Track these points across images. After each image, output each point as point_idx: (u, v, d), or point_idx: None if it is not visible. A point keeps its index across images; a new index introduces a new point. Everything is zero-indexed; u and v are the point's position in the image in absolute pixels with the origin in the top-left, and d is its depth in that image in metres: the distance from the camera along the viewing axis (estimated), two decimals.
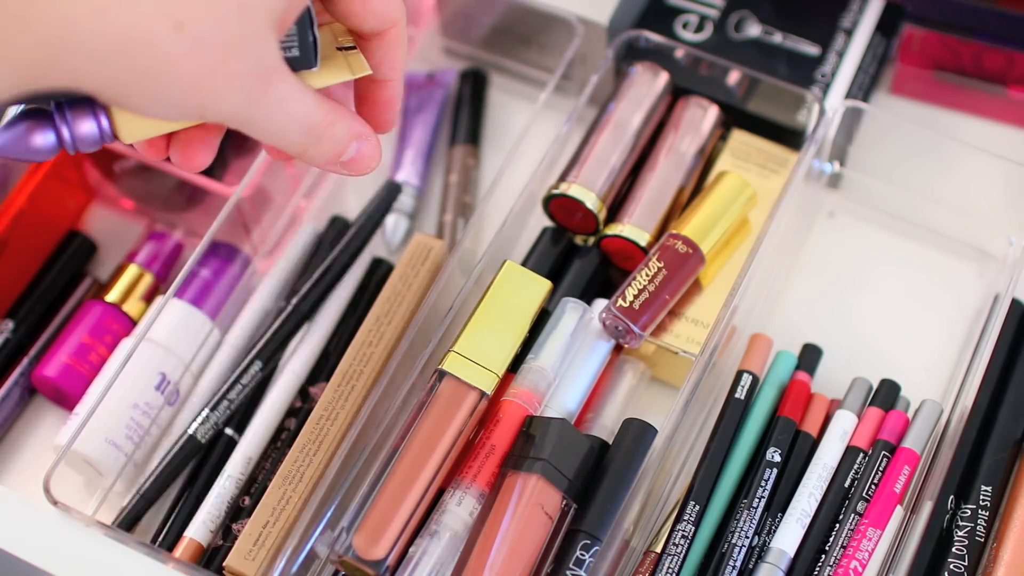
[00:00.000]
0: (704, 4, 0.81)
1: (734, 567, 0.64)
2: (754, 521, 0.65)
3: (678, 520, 0.65)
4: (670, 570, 0.64)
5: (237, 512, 0.67)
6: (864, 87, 0.79)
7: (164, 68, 0.46)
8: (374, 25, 0.53)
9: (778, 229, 0.72)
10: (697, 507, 0.65)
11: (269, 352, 0.70)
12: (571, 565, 0.62)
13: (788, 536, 0.64)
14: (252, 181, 0.73)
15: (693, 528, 0.65)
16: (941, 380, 0.73)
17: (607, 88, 0.77)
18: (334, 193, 0.79)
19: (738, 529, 0.65)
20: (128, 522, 0.66)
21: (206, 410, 0.68)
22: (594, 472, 0.64)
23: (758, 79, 0.76)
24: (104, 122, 0.50)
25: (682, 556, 0.64)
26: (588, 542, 0.62)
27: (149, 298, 0.75)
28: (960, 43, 0.80)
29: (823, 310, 0.76)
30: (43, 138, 0.50)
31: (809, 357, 0.71)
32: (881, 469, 0.66)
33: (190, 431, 0.68)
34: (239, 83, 0.48)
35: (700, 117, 0.75)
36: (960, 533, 0.65)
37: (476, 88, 0.83)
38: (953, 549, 0.65)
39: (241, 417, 0.70)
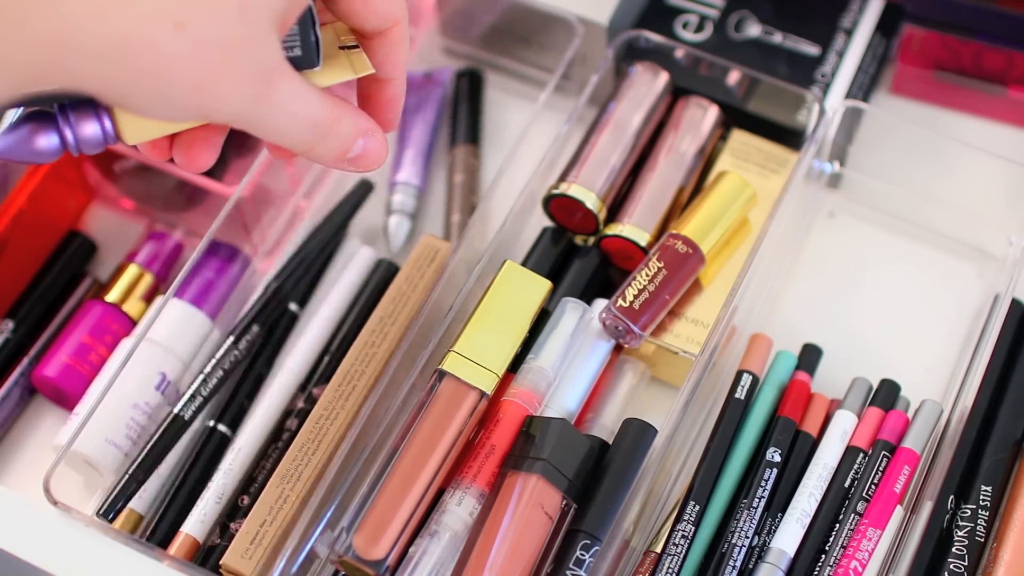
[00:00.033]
0: (704, 4, 0.81)
1: (734, 567, 0.64)
2: (754, 521, 0.65)
3: (678, 520, 0.65)
4: (670, 570, 0.64)
5: (235, 511, 0.67)
6: (864, 87, 0.79)
7: (165, 69, 0.46)
8: (376, 24, 0.53)
9: (778, 229, 0.72)
10: (697, 507, 0.65)
11: (241, 329, 0.70)
12: (571, 565, 0.62)
13: (788, 536, 0.64)
14: (252, 181, 0.73)
15: (693, 528, 0.65)
16: (941, 380, 0.73)
17: (607, 88, 0.77)
18: (334, 193, 0.79)
19: (738, 529, 0.65)
20: (116, 506, 0.66)
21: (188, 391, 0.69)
22: (594, 472, 0.64)
23: (758, 79, 0.76)
24: (107, 124, 0.50)
25: (682, 556, 0.64)
26: (588, 542, 0.62)
27: (149, 298, 0.75)
28: (960, 43, 0.80)
29: (823, 310, 0.76)
30: (47, 140, 0.50)
31: (809, 357, 0.71)
32: (881, 469, 0.66)
33: (175, 411, 0.68)
34: (242, 83, 0.47)
35: (700, 117, 0.75)
36: (960, 533, 0.65)
37: (473, 88, 0.83)
38: (953, 549, 0.65)
39: (235, 414, 0.70)
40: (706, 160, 0.76)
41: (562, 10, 0.78)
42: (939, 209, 0.77)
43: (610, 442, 0.66)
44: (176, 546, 0.66)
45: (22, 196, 0.74)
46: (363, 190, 0.76)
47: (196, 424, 0.69)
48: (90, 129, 0.50)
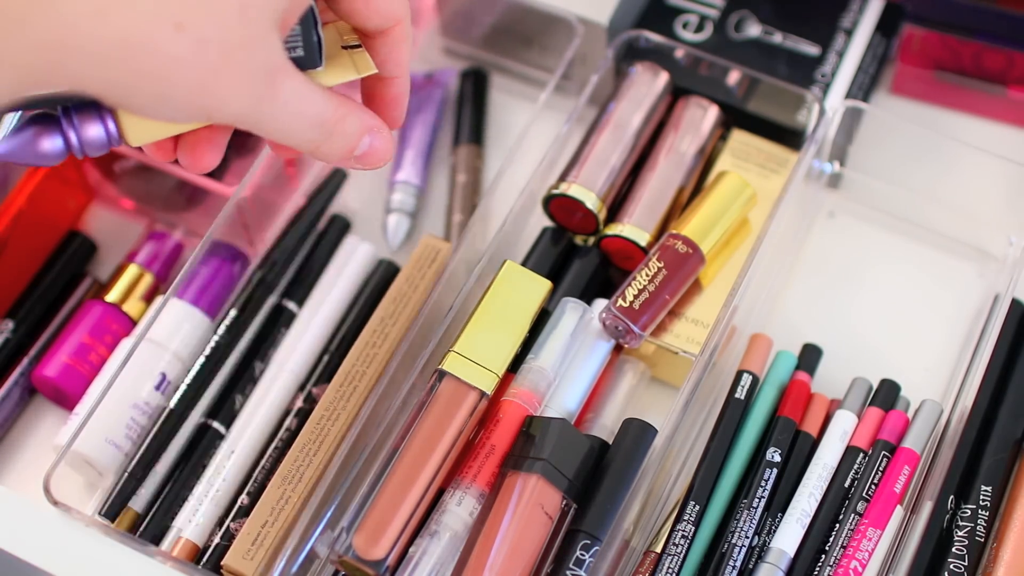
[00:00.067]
0: (704, 4, 0.81)
1: (734, 567, 0.64)
2: (754, 521, 0.65)
3: (678, 520, 0.65)
4: (670, 570, 0.64)
5: (236, 511, 0.67)
6: (864, 87, 0.79)
7: (167, 70, 0.45)
8: (378, 23, 0.53)
9: (778, 229, 0.72)
10: (697, 507, 0.65)
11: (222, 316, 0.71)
12: (571, 565, 0.62)
13: (788, 536, 0.64)
14: (252, 181, 0.73)
15: (693, 528, 0.65)
16: (941, 380, 0.73)
17: (607, 88, 0.77)
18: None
19: (738, 529, 0.65)
20: (118, 504, 0.66)
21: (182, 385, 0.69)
22: (594, 472, 0.64)
23: (758, 79, 0.76)
24: (111, 126, 0.50)
25: (682, 556, 0.64)
26: (588, 542, 0.62)
27: (149, 298, 0.75)
28: (960, 43, 0.80)
29: (823, 310, 0.76)
30: (51, 143, 0.50)
31: (809, 357, 0.71)
32: (881, 469, 0.66)
33: (169, 406, 0.68)
34: (244, 83, 0.47)
35: (700, 117, 0.75)
36: (960, 533, 0.65)
37: (477, 88, 0.83)
38: (953, 549, 0.65)
39: (229, 410, 0.70)
40: (706, 160, 0.76)
41: (562, 10, 0.78)
42: (939, 209, 0.77)
43: (610, 442, 0.66)
44: (177, 547, 0.66)
45: (22, 196, 0.74)
46: (338, 178, 0.76)
47: (192, 421, 0.69)
48: (94, 131, 0.50)
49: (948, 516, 0.66)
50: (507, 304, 0.67)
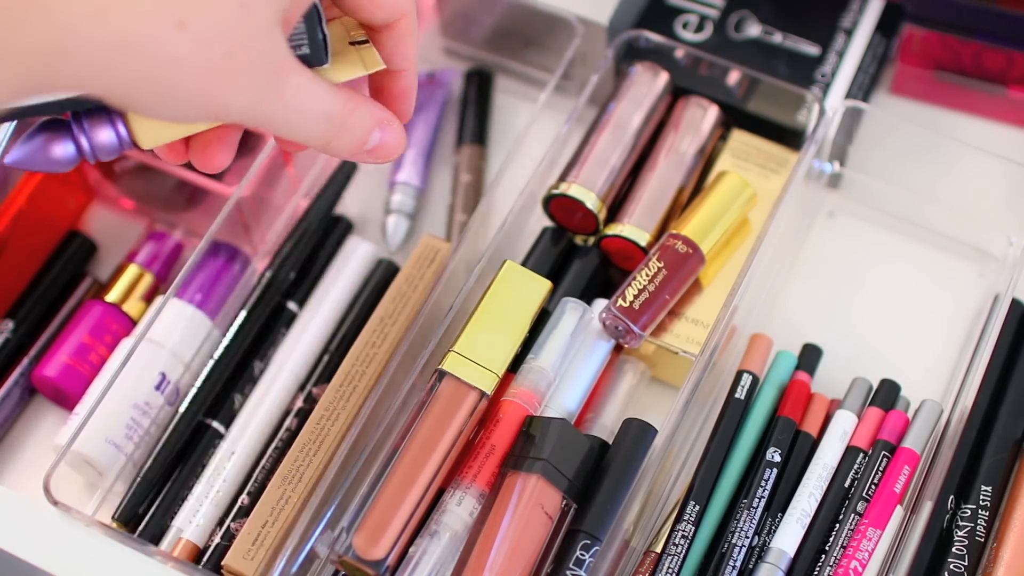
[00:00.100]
0: (704, 4, 0.81)
1: (734, 567, 0.64)
2: (754, 521, 0.65)
3: (678, 520, 0.65)
4: (670, 570, 0.64)
5: (236, 511, 0.67)
6: (864, 87, 0.79)
7: (169, 70, 0.45)
8: (384, 16, 0.53)
9: (778, 229, 0.72)
10: (697, 507, 0.65)
11: (232, 317, 0.71)
12: (571, 565, 0.62)
13: (788, 536, 0.64)
14: (252, 181, 0.73)
15: (693, 528, 0.65)
16: (941, 380, 0.73)
17: (607, 88, 0.77)
18: None
19: (738, 529, 0.65)
20: (131, 508, 0.67)
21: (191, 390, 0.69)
22: (594, 472, 0.64)
23: (758, 79, 0.76)
24: (121, 129, 0.50)
25: (682, 556, 0.64)
26: (588, 542, 0.62)
27: (149, 298, 0.75)
28: (960, 43, 0.80)
29: (823, 310, 0.76)
30: (62, 149, 0.50)
31: (809, 357, 0.71)
32: (881, 469, 0.66)
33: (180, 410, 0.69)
34: (249, 80, 0.47)
35: (700, 117, 0.75)
36: (960, 533, 0.65)
37: (482, 88, 0.83)
38: (953, 549, 0.65)
39: (229, 410, 0.70)
40: (706, 160, 0.76)
41: (562, 10, 0.78)
42: (939, 209, 0.77)
43: (610, 442, 0.66)
44: (178, 548, 0.66)
45: (22, 196, 0.74)
46: (347, 171, 0.76)
47: (186, 420, 0.69)
48: (105, 135, 0.50)
49: (948, 516, 0.66)
50: (507, 304, 0.67)
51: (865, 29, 0.80)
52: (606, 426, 0.68)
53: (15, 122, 0.50)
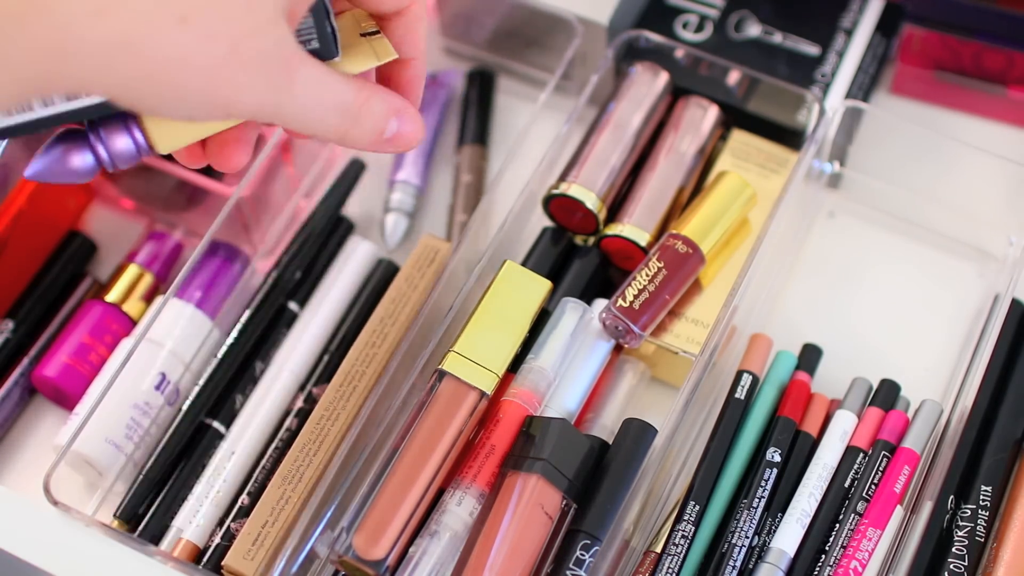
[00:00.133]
0: (704, 4, 0.81)
1: (734, 567, 0.64)
2: (754, 521, 0.65)
3: (678, 520, 0.65)
4: (670, 570, 0.64)
5: (236, 511, 0.67)
6: (864, 87, 0.79)
7: (173, 65, 0.45)
8: (392, 5, 0.52)
9: (778, 229, 0.72)
10: (697, 507, 0.65)
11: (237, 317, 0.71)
12: (571, 565, 0.62)
13: (788, 536, 0.64)
14: (252, 181, 0.73)
15: (693, 528, 0.65)
16: (941, 380, 0.73)
17: (607, 88, 0.77)
18: None
19: (738, 529, 0.65)
20: (132, 506, 0.67)
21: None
22: (594, 472, 0.64)
23: (758, 79, 0.76)
24: (138, 135, 0.50)
25: (682, 556, 0.64)
26: (588, 542, 0.62)
27: (149, 298, 0.75)
28: (960, 43, 0.80)
29: (823, 310, 0.76)
30: (81, 159, 0.50)
31: (809, 357, 0.71)
32: (881, 469, 0.66)
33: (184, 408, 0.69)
34: (256, 74, 0.46)
35: (700, 117, 0.75)
36: (960, 533, 0.65)
37: (484, 88, 0.83)
38: (953, 549, 0.65)
39: (229, 410, 0.70)
40: (706, 160, 0.76)
41: (562, 10, 0.78)
42: (939, 209, 0.77)
43: (610, 442, 0.66)
44: (178, 548, 0.66)
45: (22, 196, 0.74)
46: (354, 171, 0.76)
47: (188, 420, 0.69)
48: (122, 143, 0.50)
49: (948, 516, 0.66)
50: (507, 304, 0.67)
51: (865, 29, 0.80)
52: (606, 426, 0.68)
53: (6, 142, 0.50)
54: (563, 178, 0.73)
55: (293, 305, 0.73)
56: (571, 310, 0.68)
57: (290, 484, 0.65)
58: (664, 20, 0.80)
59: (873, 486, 0.66)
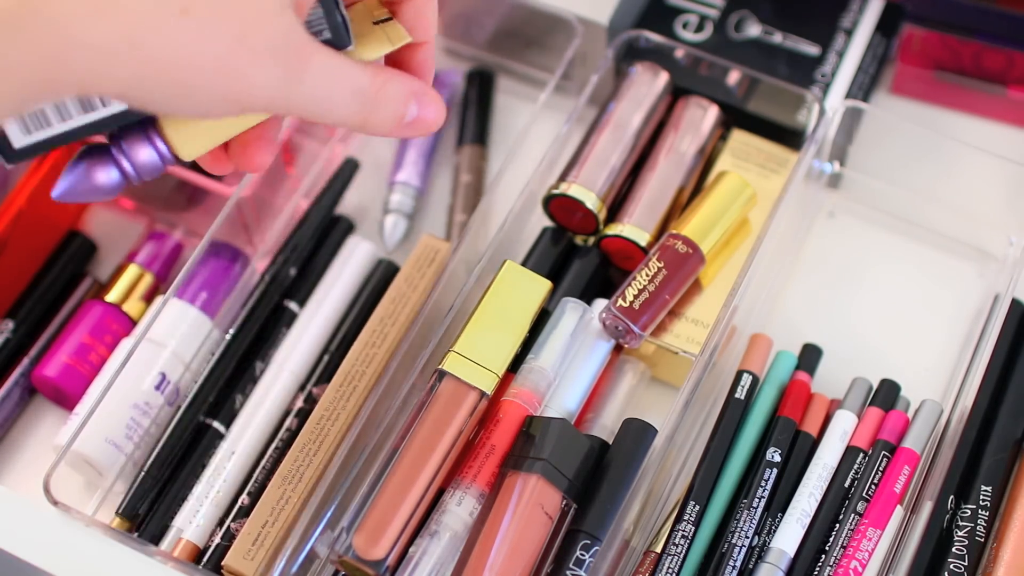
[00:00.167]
0: (704, 4, 0.81)
1: (734, 567, 0.64)
2: (754, 521, 0.65)
3: (678, 520, 0.65)
4: (670, 570, 0.64)
5: (236, 511, 0.67)
6: (864, 87, 0.79)
7: (179, 58, 0.44)
8: None
9: (778, 229, 0.72)
10: (697, 507, 0.65)
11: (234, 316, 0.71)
12: (571, 565, 0.62)
13: (788, 536, 0.64)
14: (252, 181, 0.73)
15: (693, 528, 0.65)
16: (941, 380, 0.73)
17: (607, 88, 0.77)
18: None
19: (738, 529, 0.65)
20: (133, 505, 0.67)
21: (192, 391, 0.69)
22: (594, 472, 0.64)
23: (758, 79, 0.76)
24: (160, 145, 0.49)
25: (682, 556, 0.64)
26: (588, 542, 0.62)
27: (149, 298, 0.75)
28: (960, 43, 0.80)
29: (823, 310, 0.76)
30: (106, 175, 0.50)
31: (809, 357, 0.71)
32: (881, 469, 0.66)
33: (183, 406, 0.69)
34: (266, 63, 0.46)
35: (700, 117, 0.75)
36: (960, 533, 0.65)
37: (483, 88, 0.83)
38: (953, 549, 0.65)
39: (229, 410, 0.70)
40: (706, 160, 0.76)
41: (562, 10, 0.78)
42: (939, 209, 0.77)
43: (610, 442, 0.66)
44: (178, 548, 0.66)
45: (22, 196, 0.74)
46: (348, 170, 0.76)
47: (191, 420, 0.69)
48: (145, 154, 0.49)
49: (948, 516, 0.66)
50: (507, 304, 0.67)
51: (865, 29, 0.80)
52: (606, 426, 0.68)
53: None
54: (563, 178, 0.73)
55: (293, 305, 0.73)
56: (571, 310, 0.68)
57: (290, 484, 0.65)
58: (664, 20, 0.80)
59: (873, 486, 0.66)
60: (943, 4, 0.79)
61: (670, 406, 0.66)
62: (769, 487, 0.66)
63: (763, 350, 0.71)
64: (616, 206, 0.73)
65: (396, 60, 0.54)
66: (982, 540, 0.65)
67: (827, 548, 0.64)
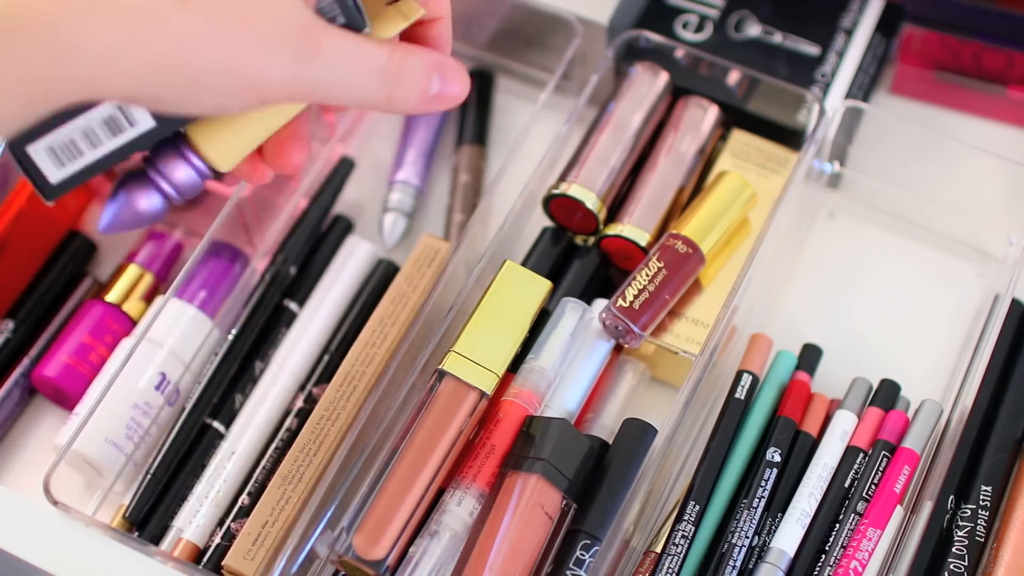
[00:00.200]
0: (704, 4, 0.81)
1: (734, 567, 0.64)
2: (754, 521, 0.65)
3: (678, 520, 0.65)
4: (670, 570, 0.64)
5: (236, 511, 0.67)
6: (864, 87, 0.79)
7: (185, 49, 0.44)
8: None
9: (778, 229, 0.72)
10: (697, 507, 0.65)
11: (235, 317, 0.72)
12: (571, 565, 0.62)
13: (788, 536, 0.64)
14: None
15: (693, 528, 0.65)
16: (941, 380, 0.73)
17: (607, 88, 0.77)
18: None
19: (738, 529, 0.65)
20: (140, 508, 0.67)
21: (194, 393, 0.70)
22: (594, 472, 0.64)
23: (758, 79, 0.76)
24: (194, 159, 0.49)
25: (682, 556, 0.64)
26: (588, 542, 0.62)
27: (149, 298, 0.75)
28: (960, 43, 0.80)
29: (823, 310, 0.76)
30: (147, 200, 0.49)
31: (809, 357, 0.71)
32: (881, 469, 0.66)
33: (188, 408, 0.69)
34: (277, 47, 0.45)
35: (700, 117, 0.75)
36: (960, 533, 0.65)
37: (483, 88, 0.83)
38: (953, 549, 0.65)
39: (230, 410, 0.70)
40: (706, 160, 0.76)
41: (562, 10, 0.78)
42: (939, 209, 0.77)
43: (610, 442, 0.66)
44: (178, 549, 0.66)
45: (22, 196, 0.74)
46: (345, 168, 0.76)
47: (192, 420, 0.69)
48: (182, 172, 0.49)
49: (948, 516, 0.66)
50: (507, 304, 0.67)
51: (865, 29, 0.80)
52: (606, 426, 0.68)
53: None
54: (563, 178, 0.73)
55: (293, 305, 0.73)
56: (571, 310, 0.68)
57: (290, 484, 0.65)
58: (664, 20, 0.80)
59: (873, 486, 0.66)
60: (943, 4, 0.79)
61: (670, 406, 0.66)
62: (769, 487, 0.66)
63: (763, 350, 0.71)
64: (616, 206, 0.73)
65: (413, 38, 0.53)
66: (982, 540, 0.65)
67: (827, 548, 0.64)
